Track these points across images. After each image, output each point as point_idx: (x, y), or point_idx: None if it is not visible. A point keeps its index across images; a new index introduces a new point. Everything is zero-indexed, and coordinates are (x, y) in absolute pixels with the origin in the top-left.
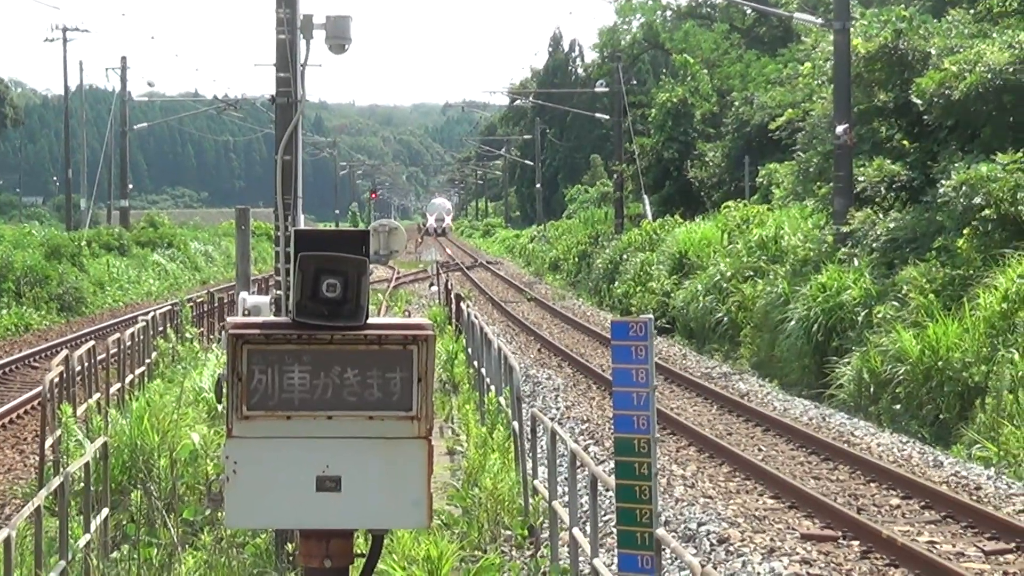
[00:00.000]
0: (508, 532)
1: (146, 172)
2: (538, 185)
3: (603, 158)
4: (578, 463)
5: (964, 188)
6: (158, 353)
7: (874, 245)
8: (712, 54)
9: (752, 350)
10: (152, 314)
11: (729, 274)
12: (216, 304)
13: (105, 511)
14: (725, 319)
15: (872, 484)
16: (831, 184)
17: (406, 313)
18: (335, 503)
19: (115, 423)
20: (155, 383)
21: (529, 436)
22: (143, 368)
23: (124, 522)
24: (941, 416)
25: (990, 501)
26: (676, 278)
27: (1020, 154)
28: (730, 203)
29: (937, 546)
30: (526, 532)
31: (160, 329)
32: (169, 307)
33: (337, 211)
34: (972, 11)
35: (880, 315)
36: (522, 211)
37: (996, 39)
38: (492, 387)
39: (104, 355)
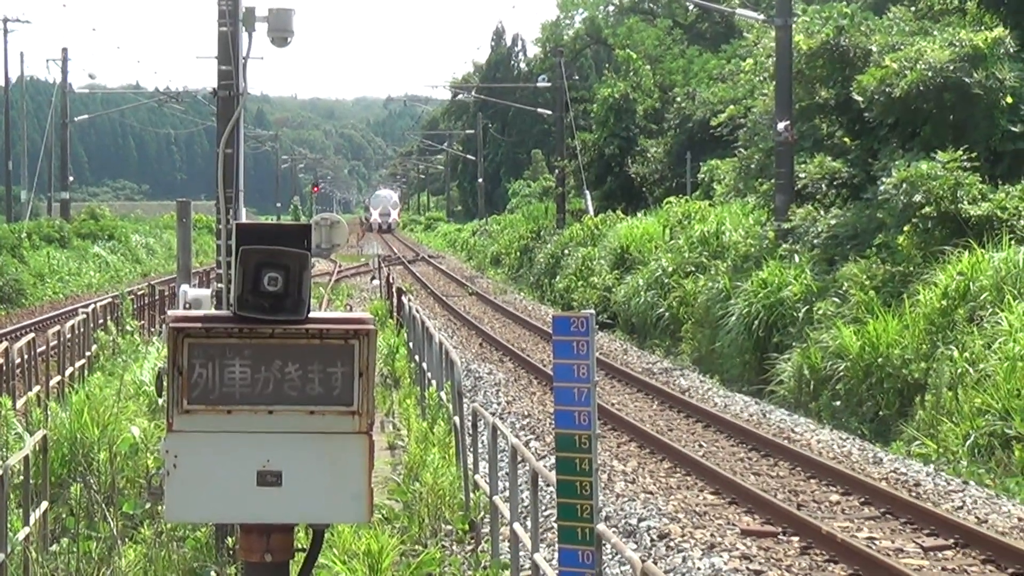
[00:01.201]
0: (449, 527)
1: (87, 164)
2: (480, 180)
3: (545, 153)
4: (519, 458)
5: (904, 185)
6: (98, 346)
7: (815, 242)
8: (654, 50)
9: (693, 346)
10: (92, 306)
11: (671, 269)
12: (157, 297)
13: (44, 504)
14: (666, 314)
15: (812, 480)
16: (772, 181)
17: (347, 307)
18: (276, 497)
19: (55, 416)
20: (95, 376)
21: (470, 431)
22: (83, 361)
23: (64, 515)
24: (881, 413)
25: (929, 498)
26: (618, 273)
27: (960, 152)
28: (672, 199)
29: (876, 542)
30: (467, 527)
31: (100, 322)
32: (110, 299)
33: (279, 204)
34: (913, 9)
35: (820, 311)
36: (464, 205)
37: (937, 37)
38: (433, 382)
39: (44, 347)
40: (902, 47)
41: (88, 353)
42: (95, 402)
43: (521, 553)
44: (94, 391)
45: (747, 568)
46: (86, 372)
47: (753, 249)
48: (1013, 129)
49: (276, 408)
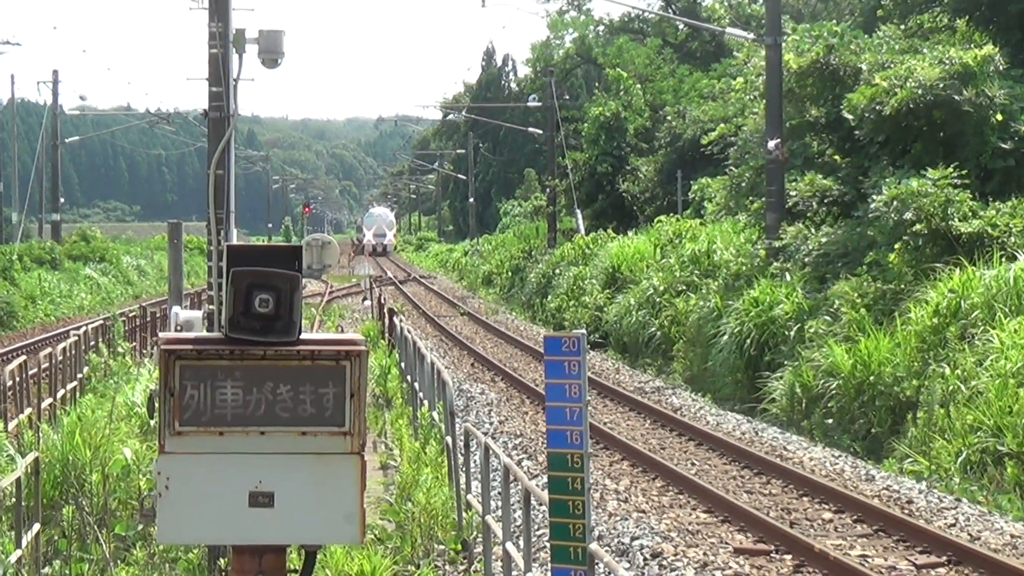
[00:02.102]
0: (441, 547)
1: (78, 186)
2: (471, 199)
3: (536, 172)
4: (511, 477)
5: (895, 203)
6: (90, 368)
7: (806, 260)
8: (645, 69)
9: (685, 364)
10: (84, 329)
11: (662, 288)
12: (148, 318)
13: (36, 526)
14: (658, 333)
15: (804, 498)
16: (763, 199)
17: (339, 328)
18: (268, 519)
19: (47, 438)
20: (87, 398)
21: (462, 451)
22: (75, 383)
23: (56, 537)
24: (873, 430)
25: (921, 515)
26: (609, 292)
27: (950, 169)
28: (663, 217)
29: (869, 560)
30: (459, 547)
31: (92, 344)
32: (101, 321)
33: (270, 225)
34: (903, 27)
35: (812, 330)
36: (455, 225)
37: (927, 55)
38: (425, 402)
39: (36, 370)
40: (892, 65)
41: (80, 375)
42: (87, 424)
43: (514, 573)
44: (86, 413)
45: None
46: (78, 394)
47: (744, 267)
48: (1003, 146)
49: (268, 429)
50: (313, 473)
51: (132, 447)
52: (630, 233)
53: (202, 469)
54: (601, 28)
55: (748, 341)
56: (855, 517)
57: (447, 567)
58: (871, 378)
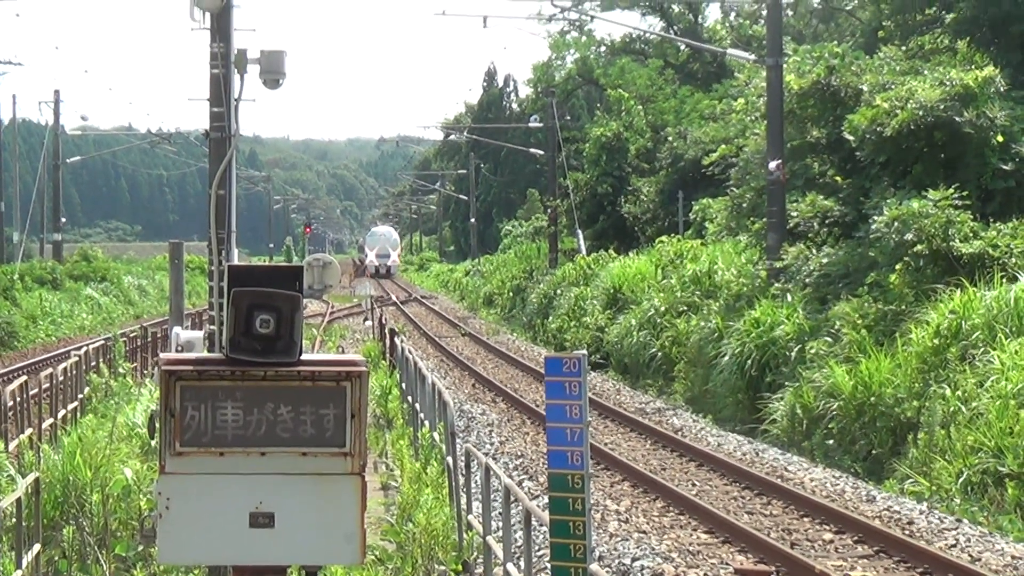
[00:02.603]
0: (442, 567)
1: (79, 206)
2: (472, 219)
3: (538, 193)
4: (512, 498)
5: (896, 224)
6: (91, 388)
7: (807, 280)
8: (646, 90)
9: (686, 385)
10: (85, 349)
11: (663, 309)
12: (149, 339)
13: (37, 547)
14: (659, 354)
15: (805, 519)
16: (764, 219)
17: (340, 349)
18: (268, 539)
19: (47, 458)
20: (88, 418)
21: (463, 471)
22: (76, 403)
23: (56, 558)
24: (874, 451)
25: (922, 535)
26: (610, 313)
27: (951, 190)
28: (664, 238)
29: None
30: (460, 567)
31: (93, 364)
32: (102, 342)
33: (271, 245)
34: (904, 48)
35: (813, 350)
36: (457, 245)
37: (927, 76)
38: (426, 422)
39: (36, 390)
40: (893, 86)
41: (80, 395)
42: (87, 444)
43: None
44: (87, 433)
45: None
46: (79, 414)
47: (745, 288)
48: (1004, 167)
49: (268, 450)
50: (314, 494)
51: (133, 467)
52: (631, 254)
53: (203, 490)
54: (603, 49)
55: (749, 362)
56: (856, 538)
57: None
58: (872, 399)
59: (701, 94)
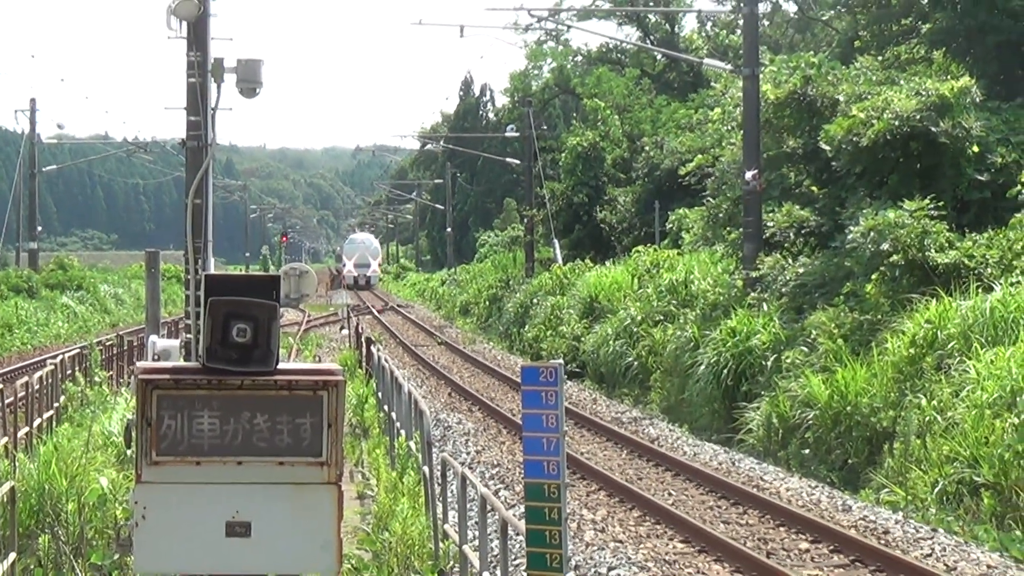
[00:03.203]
0: None
1: (55, 214)
2: (448, 229)
3: (514, 202)
4: (488, 507)
5: (872, 234)
6: (67, 397)
7: (783, 290)
8: (623, 99)
9: (662, 395)
10: (61, 357)
11: (639, 318)
12: (126, 347)
13: (12, 556)
14: (635, 363)
15: (781, 528)
16: (740, 229)
17: (316, 358)
18: (245, 548)
19: (23, 467)
20: (64, 427)
21: (439, 480)
22: (51, 412)
23: (32, 567)
24: (849, 461)
25: (898, 545)
26: (586, 322)
27: (927, 201)
28: (640, 247)
29: None
30: None
31: (69, 373)
32: (78, 350)
33: (247, 254)
34: (880, 58)
35: (789, 360)
36: (433, 255)
37: (903, 86)
38: (402, 431)
39: (12, 399)
40: (869, 96)
41: (56, 404)
42: (63, 453)
43: None
44: (62, 442)
45: None
46: (54, 423)
47: (722, 298)
48: (980, 178)
49: (245, 459)
50: (290, 503)
51: (109, 476)
52: (608, 263)
53: (179, 499)
54: (579, 58)
55: (725, 371)
56: (832, 547)
57: None
58: (848, 408)
59: (678, 104)
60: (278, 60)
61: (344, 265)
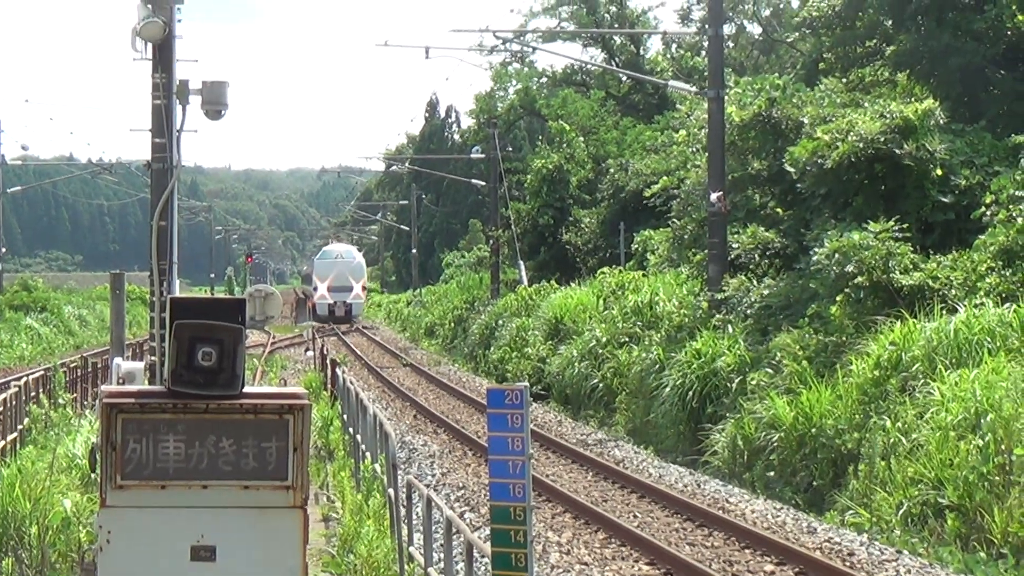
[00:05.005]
0: None
1: (19, 235)
2: (414, 250)
3: (480, 223)
4: (454, 530)
5: (837, 256)
6: (30, 419)
7: (748, 312)
8: (588, 121)
9: (627, 416)
10: (25, 379)
11: (605, 340)
12: (90, 369)
13: None
14: (600, 385)
15: (747, 550)
16: (705, 251)
17: (282, 380)
18: (210, 573)
19: None
20: (27, 449)
21: (405, 503)
22: (15, 434)
23: None
24: (814, 483)
25: (863, 567)
26: (552, 344)
27: (891, 223)
28: (605, 269)
29: None
30: None
31: (33, 395)
32: (42, 372)
33: (212, 275)
34: (844, 80)
35: (754, 382)
36: (398, 276)
37: (868, 108)
38: (368, 454)
39: None
40: (833, 119)
41: (20, 426)
42: (27, 476)
43: None
44: (26, 465)
45: None
46: (18, 445)
47: (687, 319)
48: (944, 200)
49: (210, 483)
50: (255, 527)
51: (73, 499)
52: (573, 284)
53: (144, 523)
54: (544, 80)
55: (690, 393)
56: (797, 569)
57: None
58: (813, 430)
59: (643, 125)
60: (243, 81)
61: (315, 289)
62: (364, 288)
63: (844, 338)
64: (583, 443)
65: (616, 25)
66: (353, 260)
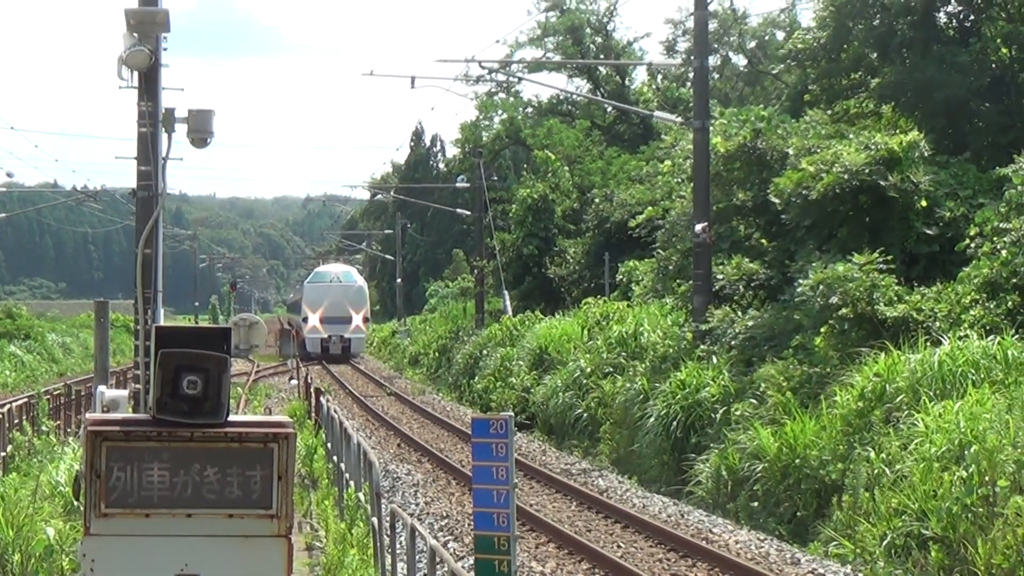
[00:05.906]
0: None
1: (3, 263)
2: (399, 279)
3: (464, 253)
4: (438, 559)
5: (821, 287)
6: (13, 446)
7: (732, 343)
8: (573, 150)
9: (612, 446)
10: (8, 407)
11: (589, 370)
12: (74, 397)
13: None
14: (585, 415)
15: None
16: (690, 282)
17: (266, 409)
18: None
19: None
20: (10, 477)
21: (389, 532)
22: None
23: None
24: (798, 513)
25: None
26: (536, 374)
27: (876, 254)
28: (590, 299)
29: None
30: None
31: (16, 422)
32: (26, 399)
33: (196, 304)
34: (829, 112)
35: (738, 412)
36: (383, 305)
37: (853, 140)
38: (351, 482)
39: None
40: (818, 150)
41: (3, 453)
42: (10, 503)
43: None
44: (9, 492)
45: None
46: (1, 473)
47: (671, 350)
48: (928, 232)
49: (195, 512)
50: (240, 556)
51: (56, 527)
52: (557, 315)
53: (128, 551)
54: (530, 109)
55: (675, 423)
56: None
57: None
58: (796, 461)
59: (628, 155)
60: (229, 109)
61: (305, 320)
62: (366, 319)
63: (828, 369)
64: (567, 473)
65: (602, 56)
66: (353, 284)
